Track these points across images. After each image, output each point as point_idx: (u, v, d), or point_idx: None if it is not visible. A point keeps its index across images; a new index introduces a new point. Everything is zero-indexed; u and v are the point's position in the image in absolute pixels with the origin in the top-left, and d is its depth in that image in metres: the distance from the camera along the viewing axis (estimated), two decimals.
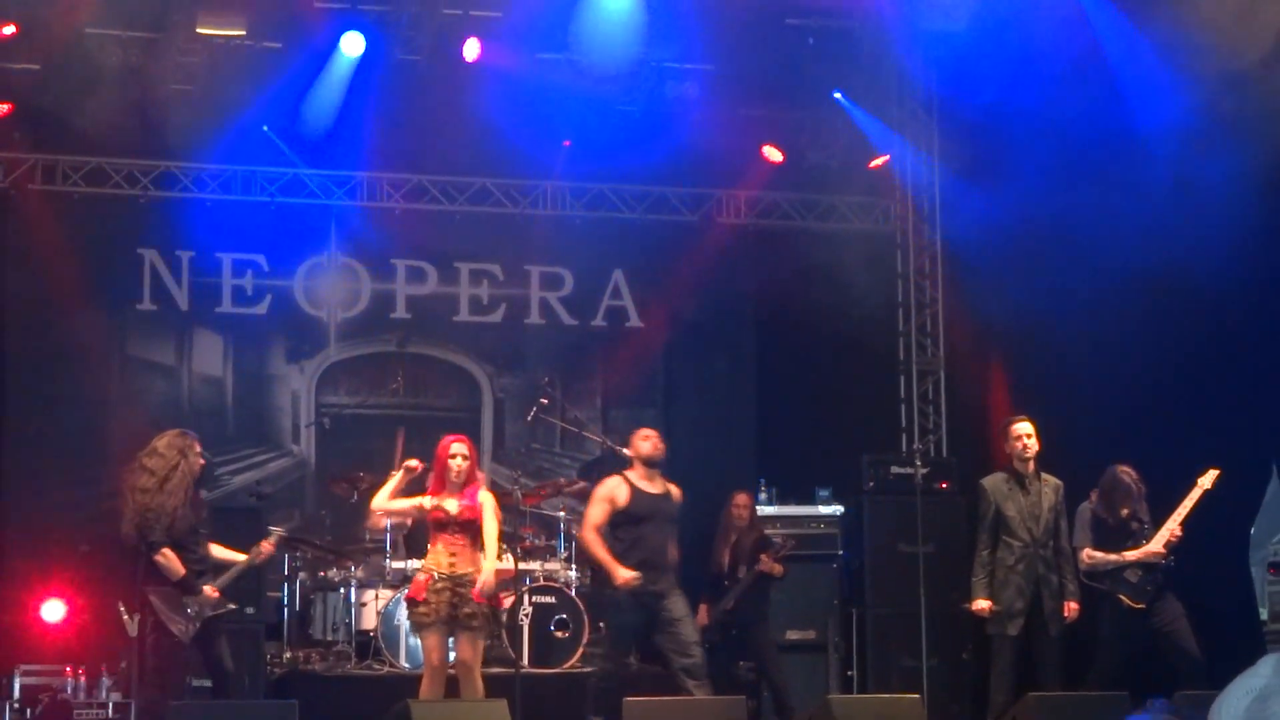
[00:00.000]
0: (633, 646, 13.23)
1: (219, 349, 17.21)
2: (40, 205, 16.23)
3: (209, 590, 11.69)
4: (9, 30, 14.75)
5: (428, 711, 11.15)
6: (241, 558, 12.13)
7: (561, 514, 15.87)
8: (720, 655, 14.45)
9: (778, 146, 17.53)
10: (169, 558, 11.56)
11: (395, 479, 12.15)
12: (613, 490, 12.60)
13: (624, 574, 12.17)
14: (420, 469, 12.20)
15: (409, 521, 14.24)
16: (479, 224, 17.70)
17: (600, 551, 12.44)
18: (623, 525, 12.52)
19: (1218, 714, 3.32)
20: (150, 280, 16.92)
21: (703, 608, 14.58)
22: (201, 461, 12.01)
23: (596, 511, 12.58)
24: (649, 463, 12.61)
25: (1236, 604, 13.99)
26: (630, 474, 12.65)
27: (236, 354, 17.27)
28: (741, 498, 14.96)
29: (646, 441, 12.69)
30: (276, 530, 13.02)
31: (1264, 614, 14.16)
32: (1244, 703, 3.28)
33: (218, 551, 12.09)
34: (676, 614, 12.47)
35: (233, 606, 12.12)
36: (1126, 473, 13.04)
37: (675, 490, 12.81)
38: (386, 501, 12.25)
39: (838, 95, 17.09)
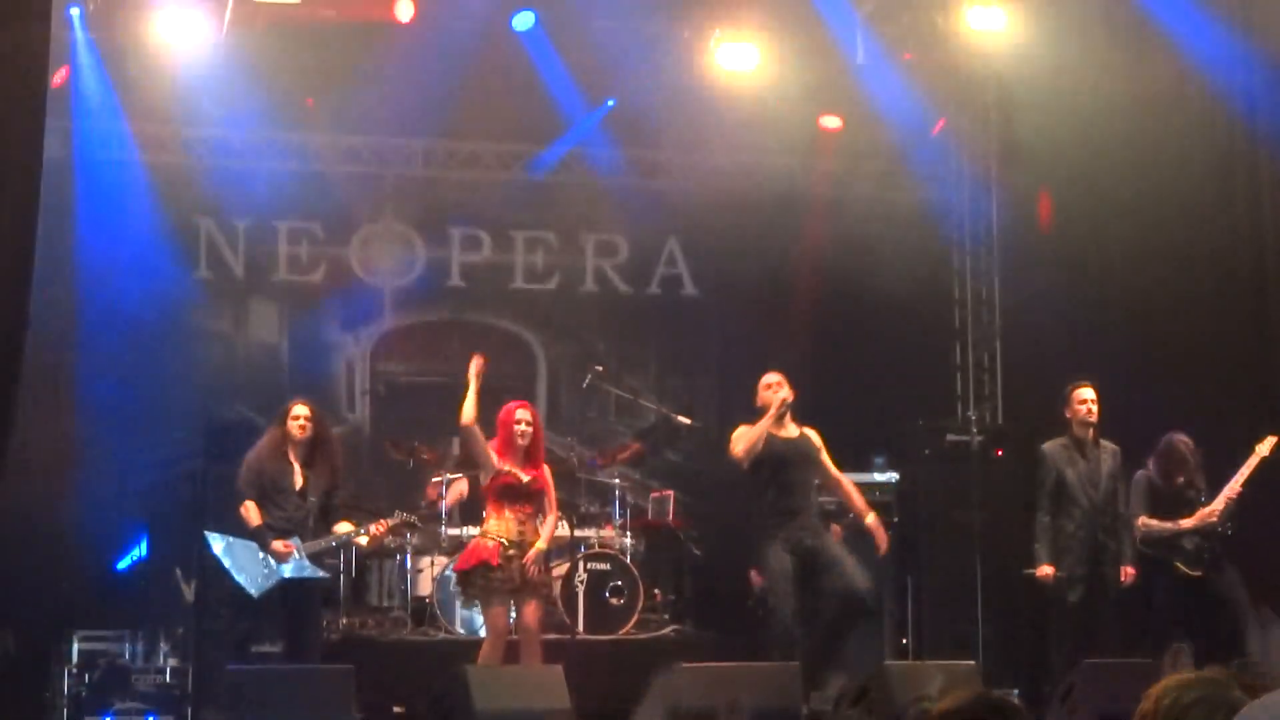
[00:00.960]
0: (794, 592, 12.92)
1: (275, 317, 17.23)
2: (98, 174, 16.21)
3: (278, 545, 11.78)
4: None
5: (485, 676, 11.12)
6: (347, 529, 12.27)
7: (616, 481, 15.81)
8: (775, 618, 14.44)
9: (836, 114, 17.45)
10: (247, 509, 12.03)
11: (471, 386, 12.08)
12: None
13: None
14: (482, 365, 12.18)
15: (466, 488, 14.26)
16: (534, 191, 17.67)
17: None
18: (764, 469, 12.42)
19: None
20: (206, 249, 16.94)
21: (754, 572, 14.50)
22: (291, 426, 12.26)
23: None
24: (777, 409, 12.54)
25: None
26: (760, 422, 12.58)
27: (292, 322, 17.29)
28: None
29: (768, 390, 12.57)
30: (399, 515, 13.04)
31: None
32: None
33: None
34: (834, 555, 12.46)
35: (323, 575, 12.19)
36: (1183, 442, 13.02)
37: (812, 433, 12.73)
38: (473, 416, 12.10)
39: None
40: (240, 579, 11.88)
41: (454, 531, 14.75)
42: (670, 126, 17.26)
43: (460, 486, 14.68)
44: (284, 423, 12.39)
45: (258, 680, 11.47)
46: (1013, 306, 17.51)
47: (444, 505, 14.89)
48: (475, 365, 12.17)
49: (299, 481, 12.26)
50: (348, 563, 15.12)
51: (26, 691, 12.26)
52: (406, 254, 17.55)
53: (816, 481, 12.84)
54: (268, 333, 17.26)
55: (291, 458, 12.30)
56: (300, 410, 12.47)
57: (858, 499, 12.82)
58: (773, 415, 12.47)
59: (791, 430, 12.54)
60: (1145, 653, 12.24)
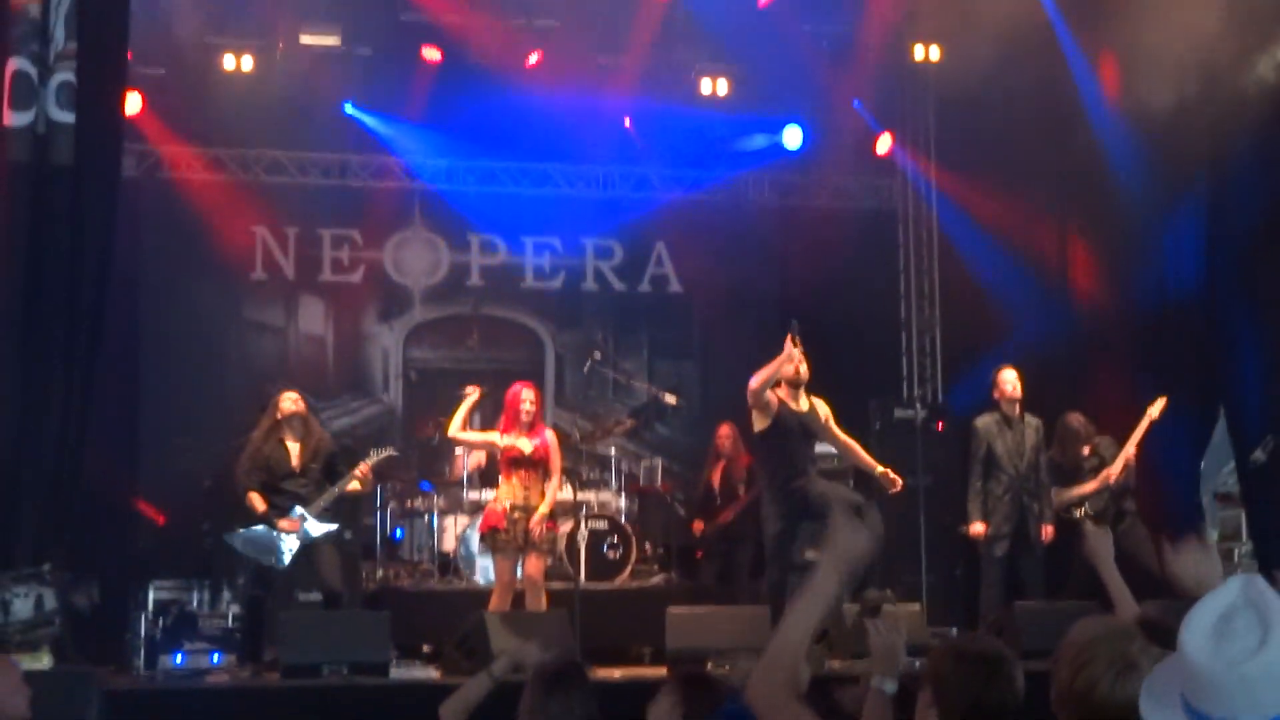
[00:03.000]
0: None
1: (320, 312, 17.21)
2: (167, 191, 16.19)
3: (284, 524, 11.73)
4: None
5: (501, 620, 11.10)
6: (345, 484, 12.17)
7: (613, 451, 15.84)
8: (714, 565, 14.54)
9: (797, 133, 17.45)
10: (251, 498, 11.83)
11: (463, 406, 12.10)
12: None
13: None
14: (479, 393, 12.12)
15: (484, 458, 14.23)
16: (542, 203, 17.64)
17: None
18: (773, 438, 12.11)
19: (1186, 627, 3.20)
20: (262, 253, 16.92)
21: (698, 523, 14.48)
22: (288, 408, 12.08)
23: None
24: (792, 384, 12.22)
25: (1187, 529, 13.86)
26: (779, 391, 12.11)
27: (336, 316, 17.27)
28: (725, 429, 14.64)
29: (789, 364, 12.01)
30: (376, 453, 12.89)
31: (1214, 535, 14.08)
32: (1210, 619, 3.16)
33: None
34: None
35: (334, 527, 12.08)
36: (1076, 418, 13.21)
37: (821, 405, 12.30)
38: (460, 430, 12.24)
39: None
40: (267, 560, 11.82)
41: (474, 495, 14.72)
42: (658, 145, 17.24)
43: (479, 456, 14.64)
44: (275, 409, 12.10)
45: (307, 623, 11.45)
46: (950, 300, 17.53)
47: (464, 472, 14.87)
48: (471, 391, 12.19)
49: (296, 461, 12.01)
50: (383, 522, 15.13)
51: (110, 634, 12.21)
52: (434, 257, 17.52)
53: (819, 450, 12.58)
54: (315, 325, 17.25)
55: (286, 440, 12.05)
56: (291, 393, 12.27)
57: (865, 456, 12.47)
58: (783, 359, 11.73)
59: (803, 403, 12.15)
60: (1065, 597, 12.20)
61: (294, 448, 12.05)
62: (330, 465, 12.16)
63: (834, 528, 4.68)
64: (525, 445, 11.99)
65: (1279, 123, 13.15)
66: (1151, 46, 13.40)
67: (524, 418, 12.04)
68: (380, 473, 13.70)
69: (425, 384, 17.05)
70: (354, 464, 12.21)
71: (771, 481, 11.98)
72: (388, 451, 12.90)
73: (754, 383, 11.76)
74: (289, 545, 11.77)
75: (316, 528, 11.86)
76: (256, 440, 12.10)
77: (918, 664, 5.44)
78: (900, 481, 12.24)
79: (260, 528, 11.79)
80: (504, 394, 12.37)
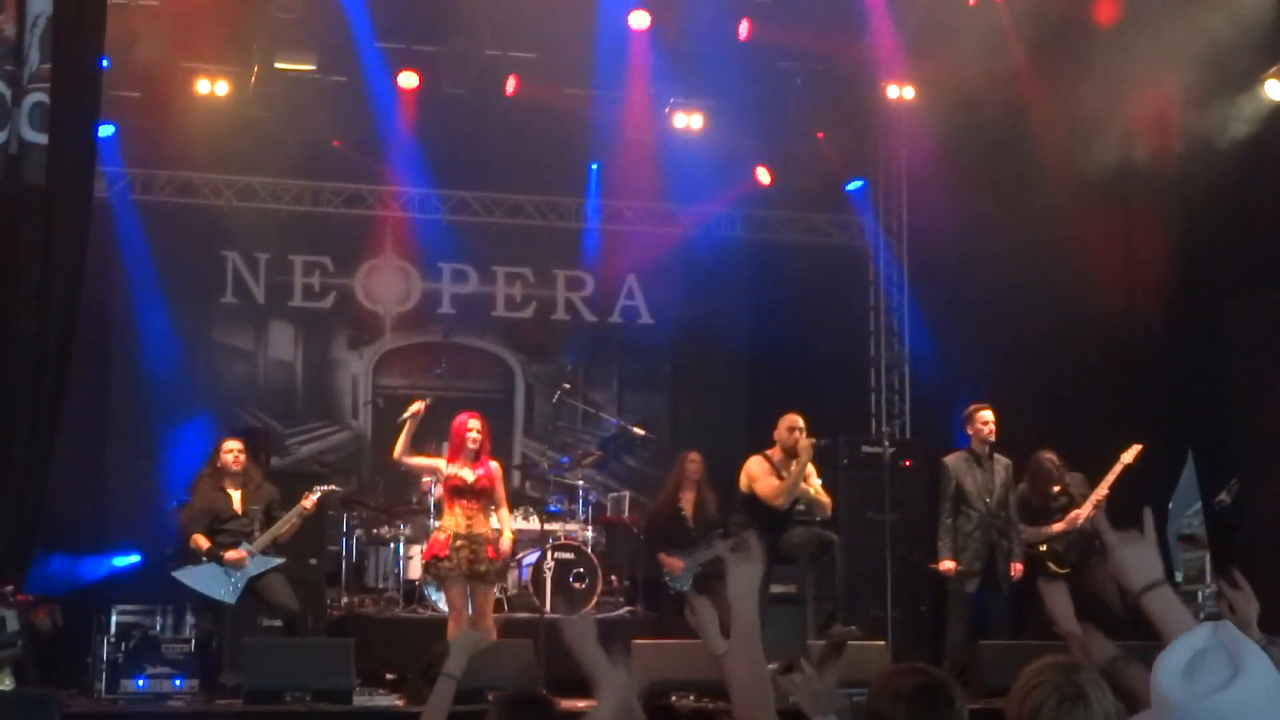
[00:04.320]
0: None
1: (290, 337, 17.20)
2: (139, 214, 16.13)
3: (230, 555, 11.90)
4: None
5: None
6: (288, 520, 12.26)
7: (581, 482, 15.78)
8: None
9: (768, 169, 17.46)
10: (196, 540, 12.11)
11: (405, 429, 12.06)
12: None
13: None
14: (421, 409, 12.10)
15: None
16: (514, 234, 17.67)
17: None
18: (761, 500, 12.57)
19: (1159, 666, 3.22)
20: (233, 278, 16.88)
21: (675, 560, 14.16)
22: (226, 459, 12.33)
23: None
24: (789, 453, 12.60)
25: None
26: (771, 454, 12.76)
27: (305, 342, 17.26)
28: (695, 456, 14.54)
29: (792, 434, 12.71)
30: (320, 487, 12.93)
31: (1179, 577, 14.08)
32: (1183, 657, 3.19)
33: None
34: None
35: (278, 560, 12.22)
36: (1048, 458, 13.19)
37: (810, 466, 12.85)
38: (405, 453, 12.16)
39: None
40: (215, 595, 11.98)
41: (438, 523, 14.67)
42: (630, 178, 17.23)
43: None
44: (217, 458, 12.41)
45: (271, 649, 11.42)
46: (918, 338, 17.56)
47: (431, 500, 14.81)
48: (414, 408, 12.15)
49: (238, 505, 12.31)
50: (349, 549, 15.06)
51: (72, 657, 12.16)
52: (404, 285, 17.51)
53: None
54: (284, 351, 17.22)
55: (228, 488, 12.33)
56: (232, 444, 12.55)
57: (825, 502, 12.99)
58: (804, 465, 12.50)
59: (793, 467, 12.65)
60: (1030, 637, 12.20)
61: (235, 494, 12.37)
62: (269, 509, 12.43)
63: (728, 568, 4.85)
64: (468, 474, 11.97)
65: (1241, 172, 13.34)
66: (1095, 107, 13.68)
67: (470, 445, 12.03)
68: (346, 500, 13.72)
69: (394, 411, 16.89)
70: (294, 502, 12.36)
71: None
72: (328, 487, 12.99)
73: (781, 501, 12.50)
74: (236, 580, 11.92)
75: (262, 562, 12.03)
76: (199, 490, 12.42)
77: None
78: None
79: (207, 565, 11.95)
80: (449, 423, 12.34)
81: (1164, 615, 3.95)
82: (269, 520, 12.31)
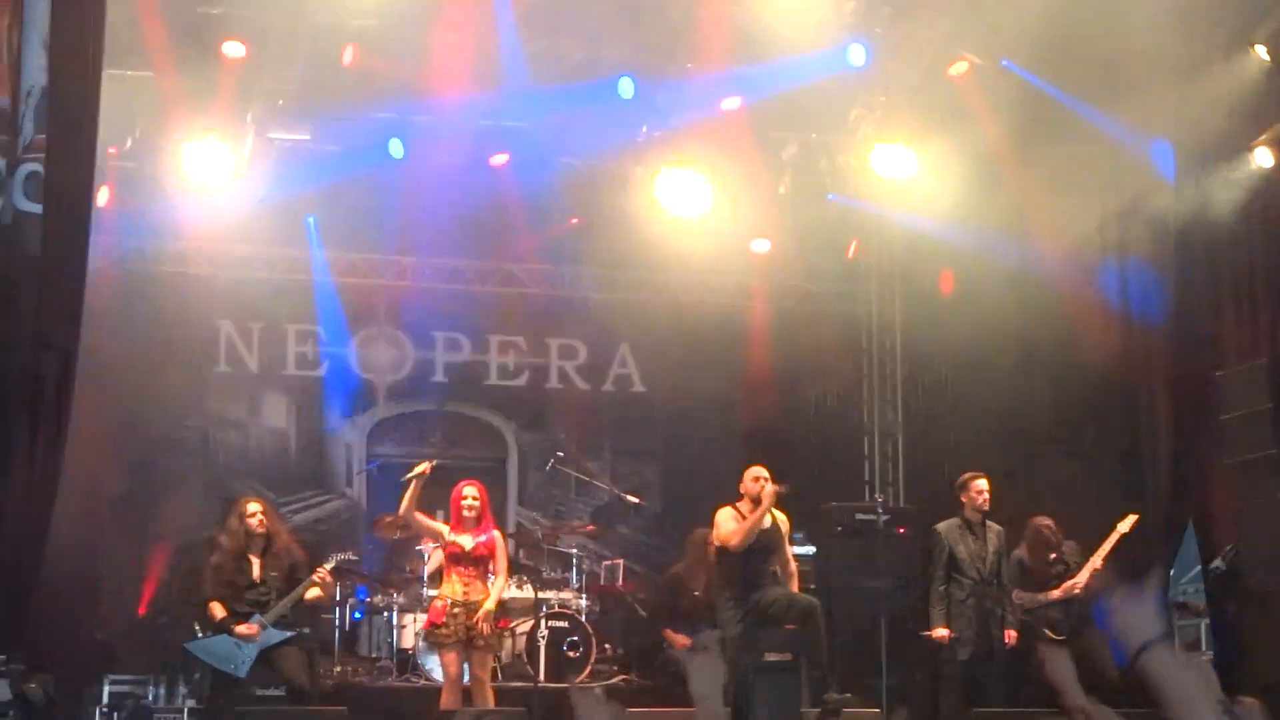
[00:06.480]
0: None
1: (284, 405, 17.19)
2: (131, 283, 16.10)
3: (242, 630, 11.79)
4: None
5: (462, 716, 11.05)
6: (304, 590, 12.18)
7: (574, 550, 15.80)
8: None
9: (764, 240, 17.50)
10: (212, 608, 11.97)
11: (411, 488, 12.05)
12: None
13: None
14: (428, 466, 12.10)
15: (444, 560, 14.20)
16: (507, 302, 17.70)
17: None
18: (737, 555, 12.50)
19: None
20: (225, 347, 16.88)
21: (681, 637, 14.19)
22: (250, 522, 12.16)
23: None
24: (754, 500, 12.53)
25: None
26: (740, 505, 12.68)
27: (299, 410, 17.24)
28: (707, 532, 14.60)
29: (755, 483, 12.62)
30: (336, 555, 12.96)
31: (1175, 643, 14.07)
32: None
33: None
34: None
35: (290, 634, 12.11)
36: (1046, 525, 13.24)
37: (783, 519, 12.86)
38: (411, 511, 12.16)
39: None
40: (226, 668, 11.87)
41: (433, 593, 14.64)
42: (623, 247, 17.26)
43: (440, 555, 14.56)
44: (241, 521, 12.25)
45: None
46: (913, 406, 17.57)
47: (425, 570, 14.79)
48: (420, 468, 12.15)
49: (258, 573, 12.18)
50: (342, 618, 15.03)
51: None
52: (398, 354, 17.53)
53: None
54: (278, 419, 17.21)
55: (249, 555, 12.20)
56: (254, 507, 12.37)
57: (794, 583, 12.89)
58: (764, 510, 12.44)
59: (767, 520, 12.59)
60: (1025, 704, 12.19)
61: (255, 561, 12.22)
62: (292, 572, 12.29)
63: (687, 670, 4.98)
64: (466, 541, 11.99)
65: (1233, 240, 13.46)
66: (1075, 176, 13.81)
67: (467, 514, 12.06)
68: (338, 570, 13.68)
69: (388, 479, 16.92)
70: (313, 571, 12.26)
71: (730, 591, 12.41)
72: (345, 555, 12.97)
73: (735, 543, 12.26)
74: (248, 654, 11.82)
75: (275, 634, 11.91)
76: (217, 559, 12.20)
77: None
78: None
79: (219, 637, 11.85)
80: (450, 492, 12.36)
81: (1159, 676, 3.95)
82: (291, 584, 12.18)
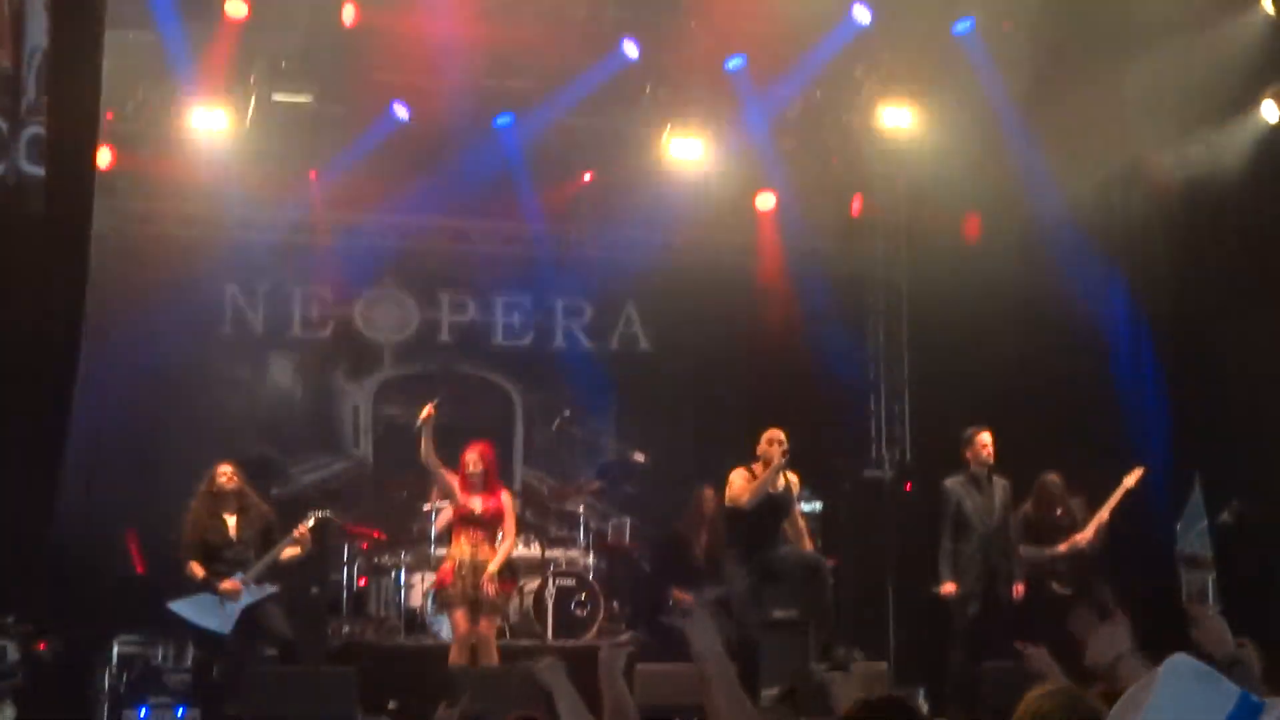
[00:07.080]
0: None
1: (290, 367, 17.18)
2: (135, 245, 16.07)
3: (226, 585, 11.90)
4: None
5: (467, 676, 11.11)
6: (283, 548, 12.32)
7: (581, 509, 15.82)
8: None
9: (769, 196, 17.48)
10: (192, 567, 12.19)
11: (425, 434, 12.16)
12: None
13: None
14: (432, 411, 12.31)
15: (450, 518, 14.22)
16: (512, 262, 17.65)
17: None
18: (749, 515, 12.59)
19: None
20: (231, 309, 16.87)
21: (686, 595, 14.20)
22: (220, 480, 12.25)
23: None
24: (768, 462, 12.60)
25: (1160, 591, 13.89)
26: (755, 468, 12.75)
27: (305, 372, 17.23)
28: (710, 492, 14.63)
29: (770, 446, 12.72)
30: (314, 514, 13.02)
31: (1184, 597, 14.10)
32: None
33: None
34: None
35: (273, 589, 12.28)
36: (1052, 480, 13.31)
37: (794, 479, 13.00)
38: (431, 454, 12.44)
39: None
40: (210, 625, 11.99)
41: (440, 551, 14.67)
42: (628, 206, 17.24)
43: (447, 513, 14.59)
44: (211, 482, 12.49)
45: (272, 680, 11.42)
46: (919, 364, 17.55)
47: (433, 529, 14.82)
48: (425, 412, 12.23)
49: (233, 532, 12.39)
50: (350, 578, 15.08)
51: (74, 688, 12.18)
52: (403, 315, 17.51)
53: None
54: (284, 381, 17.21)
55: (223, 514, 12.41)
56: (225, 468, 12.61)
57: (805, 540, 12.95)
58: (774, 470, 12.46)
59: (780, 482, 12.64)
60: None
61: (230, 520, 12.43)
62: (267, 533, 12.48)
63: (687, 632, 4.96)
64: (476, 504, 12.17)
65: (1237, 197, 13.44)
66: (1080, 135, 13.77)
67: (470, 474, 12.15)
68: (317, 527, 13.73)
69: (394, 440, 16.94)
70: (290, 531, 12.32)
71: (738, 548, 12.46)
72: (323, 514, 13.05)
73: (744, 501, 12.29)
74: (231, 611, 11.90)
75: (257, 591, 12.02)
76: (193, 517, 12.45)
77: None
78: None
79: (203, 595, 11.92)
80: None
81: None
82: (266, 545, 12.35)
